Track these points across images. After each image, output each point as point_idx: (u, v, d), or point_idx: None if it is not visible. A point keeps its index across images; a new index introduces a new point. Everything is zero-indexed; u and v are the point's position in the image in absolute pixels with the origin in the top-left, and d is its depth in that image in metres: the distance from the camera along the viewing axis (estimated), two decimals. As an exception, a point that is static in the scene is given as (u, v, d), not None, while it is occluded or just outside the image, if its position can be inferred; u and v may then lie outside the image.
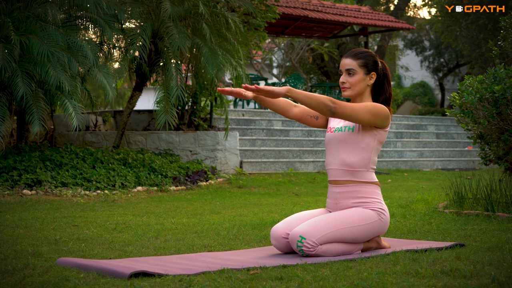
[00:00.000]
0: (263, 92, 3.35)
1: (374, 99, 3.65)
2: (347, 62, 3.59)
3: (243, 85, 3.32)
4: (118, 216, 5.66)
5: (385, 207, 3.60)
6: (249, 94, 3.43)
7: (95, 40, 9.03)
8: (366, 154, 3.54)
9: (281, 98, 3.62)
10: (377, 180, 3.62)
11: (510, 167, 5.80)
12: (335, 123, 3.67)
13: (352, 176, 3.55)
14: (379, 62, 3.64)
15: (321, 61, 22.65)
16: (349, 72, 3.57)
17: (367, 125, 3.50)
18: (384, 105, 3.62)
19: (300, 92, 3.38)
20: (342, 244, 3.45)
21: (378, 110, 3.48)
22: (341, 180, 3.58)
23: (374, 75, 3.59)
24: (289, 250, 3.53)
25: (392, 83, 29.47)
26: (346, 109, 3.42)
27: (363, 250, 3.57)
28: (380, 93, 3.65)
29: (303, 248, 3.36)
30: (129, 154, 9.10)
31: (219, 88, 3.35)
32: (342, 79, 3.59)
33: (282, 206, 6.69)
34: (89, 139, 10.12)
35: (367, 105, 3.48)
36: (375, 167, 3.60)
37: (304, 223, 3.44)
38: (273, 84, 16.14)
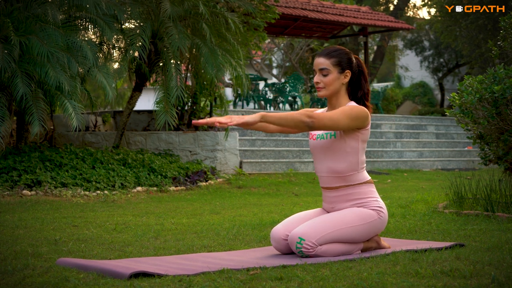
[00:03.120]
0: (236, 124, 3.25)
1: (352, 96, 3.59)
2: (320, 62, 3.51)
3: (216, 120, 3.18)
4: (117, 216, 5.66)
5: (383, 204, 3.59)
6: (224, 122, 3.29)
7: (94, 40, 9.03)
8: (353, 157, 3.49)
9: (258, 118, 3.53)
10: (370, 178, 3.60)
11: (510, 167, 5.80)
12: None
13: (343, 181, 3.52)
14: (354, 59, 3.57)
15: (321, 61, 22.61)
16: (323, 71, 3.50)
17: (348, 130, 3.45)
18: (362, 103, 3.57)
19: (274, 115, 3.29)
20: (342, 244, 3.45)
21: (356, 113, 3.41)
22: (333, 186, 3.56)
23: (348, 73, 3.52)
24: (289, 251, 3.53)
25: (391, 83, 29.48)
26: (324, 121, 3.34)
27: (363, 250, 3.57)
28: (357, 89, 3.58)
29: (302, 249, 3.36)
30: (128, 155, 9.10)
31: (194, 121, 3.21)
32: (316, 79, 3.52)
33: (282, 206, 6.68)
34: (88, 140, 10.12)
35: (345, 110, 3.39)
36: (364, 166, 3.57)
37: (303, 224, 3.43)
38: (273, 85, 16.14)
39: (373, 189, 3.59)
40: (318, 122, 3.33)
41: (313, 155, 3.63)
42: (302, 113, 3.35)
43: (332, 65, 3.49)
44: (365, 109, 3.47)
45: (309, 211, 3.70)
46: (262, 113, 3.28)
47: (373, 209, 3.51)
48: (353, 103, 3.53)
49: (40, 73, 7.30)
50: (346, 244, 3.47)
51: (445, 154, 14.40)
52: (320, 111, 3.68)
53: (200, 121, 3.22)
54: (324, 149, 3.52)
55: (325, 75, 3.50)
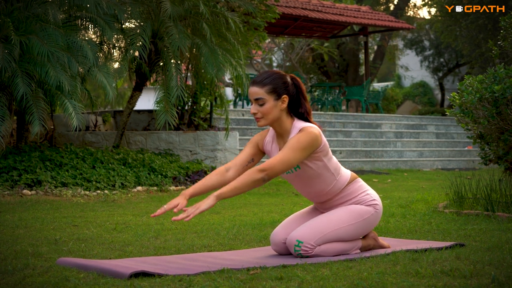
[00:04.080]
0: (194, 216, 3.11)
1: (293, 113, 3.40)
2: (254, 91, 3.31)
3: (173, 218, 3.08)
4: (118, 216, 5.66)
5: (375, 196, 3.57)
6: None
7: (95, 40, 9.03)
8: (325, 174, 3.41)
9: (213, 180, 3.35)
10: (350, 174, 3.52)
11: (510, 167, 5.80)
12: None
13: (328, 194, 3.49)
14: (289, 81, 3.38)
15: (321, 61, 22.66)
16: (259, 101, 3.31)
17: (305, 159, 3.33)
18: (305, 118, 3.40)
19: (228, 190, 3.16)
20: (340, 243, 3.45)
21: (304, 143, 3.25)
22: (321, 201, 3.56)
23: (286, 98, 3.34)
24: (290, 253, 3.53)
25: (392, 83, 29.47)
26: (277, 168, 3.22)
27: (362, 249, 3.57)
28: (297, 108, 3.40)
29: (301, 251, 3.36)
30: (129, 154, 9.10)
31: (152, 215, 3.14)
32: (252, 109, 3.34)
33: (282, 206, 6.69)
34: (89, 139, 10.12)
35: (292, 146, 3.24)
36: (340, 169, 3.47)
37: (301, 227, 3.43)
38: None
39: (360, 184, 3.55)
40: (272, 172, 3.22)
41: (288, 181, 3.57)
42: (253, 171, 3.20)
43: (267, 93, 3.30)
44: (312, 131, 3.30)
45: (306, 210, 3.68)
46: (216, 194, 3.14)
47: (368, 205, 3.51)
48: (298, 125, 3.36)
49: (40, 73, 7.30)
50: (345, 242, 3.47)
51: (445, 154, 14.40)
52: (268, 138, 3.51)
53: (159, 212, 3.14)
54: (296, 179, 3.47)
55: (261, 105, 3.31)
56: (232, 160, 3.44)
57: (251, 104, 3.37)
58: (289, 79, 3.39)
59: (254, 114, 3.35)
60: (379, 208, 3.55)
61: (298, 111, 3.40)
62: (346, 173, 3.52)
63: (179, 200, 3.21)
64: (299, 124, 3.37)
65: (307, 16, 15.65)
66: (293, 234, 3.40)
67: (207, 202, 3.12)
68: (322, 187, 3.45)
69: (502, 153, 5.60)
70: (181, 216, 3.09)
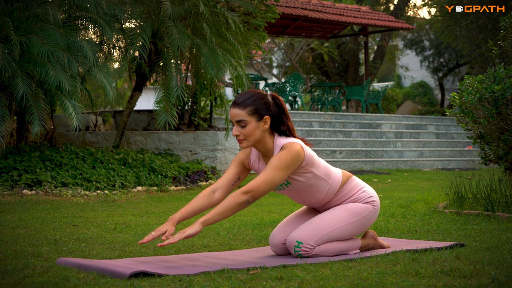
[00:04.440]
0: (179, 239, 3.07)
1: (275, 131, 3.37)
2: (235, 113, 3.27)
3: (159, 244, 3.07)
4: (118, 216, 5.66)
5: (372, 191, 3.56)
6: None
7: (95, 40, 9.03)
8: (317, 182, 3.39)
9: (200, 203, 3.30)
10: (341, 174, 3.49)
11: (510, 167, 5.80)
12: None
13: (324, 199, 3.48)
14: (270, 100, 3.34)
15: (321, 61, 22.66)
16: (240, 123, 3.27)
17: (291, 175, 3.31)
18: (288, 134, 3.35)
19: (214, 215, 3.14)
20: (340, 242, 3.45)
21: (285, 161, 3.23)
22: (319, 206, 3.57)
23: (268, 119, 3.30)
24: (289, 253, 3.53)
25: (392, 83, 29.46)
26: (261, 188, 3.20)
27: (361, 248, 3.57)
28: (279, 125, 3.36)
29: (301, 252, 3.36)
30: (129, 154, 9.10)
31: (139, 242, 3.12)
32: (234, 131, 3.30)
33: (282, 206, 6.69)
34: (89, 139, 10.12)
35: (274, 165, 3.22)
36: (330, 172, 3.43)
37: (300, 227, 3.42)
38: (273, 85, 16.13)
39: (355, 182, 3.54)
40: (256, 193, 3.19)
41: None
42: (237, 194, 3.18)
43: (248, 115, 3.26)
44: (293, 147, 3.26)
45: (303, 209, 3.68)
46: (201, 220, 3.12)
47: (366, 202, 3.51)
48: (280, 142, 3.33)
49: (40, 73, 7.30)
50: (344, 241, 3.48)
51: (445, 154, 14.40)
52: (253, 157, 3.48)
53: (145, 240, 3.10)
54: (290, 193, 3.46)
55: (243, 126, 3.27)
56: (218, 181, 3.42)
57: (233, 126, 3.33)
58: (270, 99, 3.34)
59: (237, 136, 3.30)
60: (377, 204, 3.55)
61: (280, 129, 3.36)
62: (338, 174, 3.50)
63: (167, 227, 3.18)
64: (281, 141, 3.33)
65: (307, 16, 15.65)
66: (292, 235, 3.39)
67: (193, 228, 3.10)
68: (317, 195, 3.44)
69: (502, 153, 5.60)
70: (166, 242, 3.08)
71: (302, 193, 3.44)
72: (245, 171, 3.49)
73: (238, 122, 3.28)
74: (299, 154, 3.27)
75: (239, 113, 3.27)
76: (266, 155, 3.42)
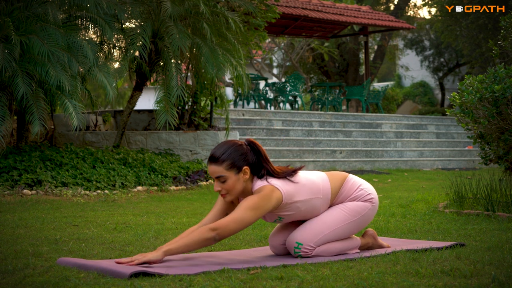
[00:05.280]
0: (139, 262, 3.03)
1: (255, 174, 3.32)
2: (213, 170, 3.23)
3: (116, 260, 3.09)
4: (118, 216, 5.66)
5: (370, 188, 3.56)
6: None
7: (95, 40, 9.03)
8: (308, 204, 3.36)
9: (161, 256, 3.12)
10: (327, 180, 3.45)
11: (510, 167, 5.80)
12: None
13: (324, 209, 3.47)
14: (247, 150, 3.28)
15: (321, 61, 22.66)
16: (220, 179, 3.24)
17: (261, 216, 3.24)
18: (272, 174, 3.31)
19: (177, 245, 3.09)
20: (340, 242, 3.46)
21: (256, 203, 3.18)
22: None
23: (247, 169, 3.26)
24: (289, 253, 3.53)
25: (392, 82, 29.46)
26: (229, 227, 3.14)
27: (361, 247, 3.58)
28: (259, 170, 3.32)
29: (301, 253, 3.36)
30: (129, 154, 9.10)
31: (116, 260, 3.11)
32: (216, 187, 3.26)
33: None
34: (89, 139, 10.12)
35: (246, 205, 3.17)
36: (317, 185, 3.39)
37: (299, 228, 3.43)
38: (273, 85, 16.14)
39: (352, 181, 3.53)
40: (223, 231, 3.13)
41: None
42: (205, 229, 3.12)
43: (226, 170, 3.22)
44: (265, 193, 3.22)
45: None
46: (165, 249, 3.07)
47: (364, 201, 3.51)
48: (257, 185, 3.29)
49: (40, 73, 7.30)
50: (344, 241, 3.48)
51: (446, 153, 14.40)
52: (240, 197, 3.41)
53: (124, 260, 3.07)
54: (290, 220, 3.45)
55: (223, 182, 3.24)
56: (206, 217, 3.39)
57: (214, 181, 3.28)
58: (246, 147, 3.30)
59: (219, 191, 3.26)
60: (375, 201, 3.55)
61: (260, 173, 3.31)
62: (324, 181, 3.44)
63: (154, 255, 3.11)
64: (257, 184, 3.29)
65: (307, 16, 15.65)
66: (292, 236, 3.39)
67: (155, 255, 3.05)
68: (315, 211, 3.44)
69: (502, 153, 5.60)
70: (126, 263, 3.04)
71: (300, 217, 3.43)
72: (232, 207, 3.42)
73: (218, 178, 3.24)
74: (270, 197, 3.21)
75: (217, 169, 3.22)
76: (247, 196, 3.36)
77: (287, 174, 3.34)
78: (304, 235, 3.37)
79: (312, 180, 3.42)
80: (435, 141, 14.82)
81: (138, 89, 9.85)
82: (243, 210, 3.18)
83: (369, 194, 3.52)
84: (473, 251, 3.41)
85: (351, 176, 3.57)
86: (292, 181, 3.33)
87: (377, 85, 25.91)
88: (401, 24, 18.02)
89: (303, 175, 3.42)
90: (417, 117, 16.44)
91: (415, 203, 6.16)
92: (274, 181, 3.29)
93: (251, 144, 3.34)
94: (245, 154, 3.28)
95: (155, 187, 8.41)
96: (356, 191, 3.51)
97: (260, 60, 23.52)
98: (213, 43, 9.09)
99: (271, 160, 11.27)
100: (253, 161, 3.30)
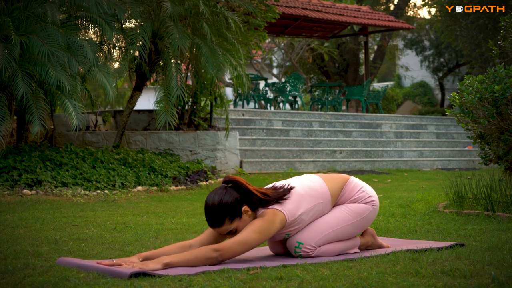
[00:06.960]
0: (139, 268, 2.98)
1: (252, 206, 3.33)
2: (222, 231, 3.27)
3: (97, 261, 3.06)
4: (118, 216, 5.66)
5: (370, 191, 3.57)
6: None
7: (95, 40, 9.03)
8: (313, 212, 3.39)
9: (173, 252, 3.23)
10: (323, 184, 3.46)
11: (510, 167, 5.80)
12: None
13: (327, 212, 3.48)
14: (233, 196, 3.25)
15: (321, 61, 22.66)
16: (232, 232, 3.28)
17: (265, 240, 3.26)
18: (262, 202, 3.32)
19: (179, 259, 3.07)
20: (340, 243, 3.46)
21: (260, 227, 3.21)
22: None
23: (245, 208, 3.28)
24: (288, 253, 3.53)
25: (392, 83, 29.46)
26: (233, 248, 3.15)
27: (361, 247, 3.58)
28: (251, 201, 3.31)
29: (301, 253, 3.37)
30: (129, 154, 9.10)
31: (97, 261, 3.08)
32: (230, 237, 3.30)
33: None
34: (89, 139, 10.12)
35: (251, 229, 3.21)
36: (315, 191, 3.41)
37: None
38: (273, 85, 16.14)
39: (354, 183, 3.54)
40: (226, 252, 3.14)
41: None
42: (209, 248, 3.13)
43: (229, 223, 3.24)
44: (267, 218, 3.25)
45: None
46: (166, 261, 3.04)
47: (365, 203, 3.51)
48: (260, 211, 3.32)
49: (40, 73, 7.30)
50: (344, 241, 3.48)
51: (446, 153, 14.40)
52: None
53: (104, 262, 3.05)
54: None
55: (232, 233, 3.28)
56: (197, 238, 3.37)
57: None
58: (229, 195, 3.25)
59: (232, 235, 3.28)
60: (376, 204, 3.55)
61: (253, 203, 3.31)
62: (322, 185, 3.46)
63: (132, 259, 3.12)
64: (260, 211, 3.32)
65: (307, 16, 15.65)
66: (293, 236, 3.40)
67: (155, 266, 3.02)
68: (318, 217, 3.45)
69: (502, 153, 5.60)
70: (123, 265, 3.00)
71: (307, 225, 3.43)
72: (223, 238, 3.38)
73: (227, 234, 3.29)
74: (274, 221, 3.24)
75: (223, 229, 3.26)
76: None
77: (279, 198, 3.33)
78: (305, 235, 3.37)
79: (309, 186, 3.43)
80: (435, 141, 14.82)
81: (138, 89, 9.85)
82: (248, 232, 3.19)
83: (370, 196, 3.53)
84: (473, 251, 3.41)
85: (352, 178, 3.58)
86: (289, 197, 3.34)
87: (377, 85, 25.91)
88: (401, 24, 18.02)
89: (298, 184, 3.42)
90: (417, 117, 16.44)
91: (415, 203, 6.16)
92: (274, 206, 3.31)
93: (233, 182, 3.31)
94: (233, 201, 3.25)
95: (155, 187, 8.41)
96: (358, 193, 3.52)
97: (260, 60, 23.52)
98: (213, 43, 9.09)
99: (270, 160, 11.29)
100: (243, 197, 3.28)
